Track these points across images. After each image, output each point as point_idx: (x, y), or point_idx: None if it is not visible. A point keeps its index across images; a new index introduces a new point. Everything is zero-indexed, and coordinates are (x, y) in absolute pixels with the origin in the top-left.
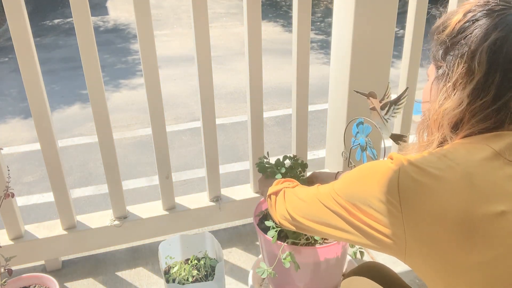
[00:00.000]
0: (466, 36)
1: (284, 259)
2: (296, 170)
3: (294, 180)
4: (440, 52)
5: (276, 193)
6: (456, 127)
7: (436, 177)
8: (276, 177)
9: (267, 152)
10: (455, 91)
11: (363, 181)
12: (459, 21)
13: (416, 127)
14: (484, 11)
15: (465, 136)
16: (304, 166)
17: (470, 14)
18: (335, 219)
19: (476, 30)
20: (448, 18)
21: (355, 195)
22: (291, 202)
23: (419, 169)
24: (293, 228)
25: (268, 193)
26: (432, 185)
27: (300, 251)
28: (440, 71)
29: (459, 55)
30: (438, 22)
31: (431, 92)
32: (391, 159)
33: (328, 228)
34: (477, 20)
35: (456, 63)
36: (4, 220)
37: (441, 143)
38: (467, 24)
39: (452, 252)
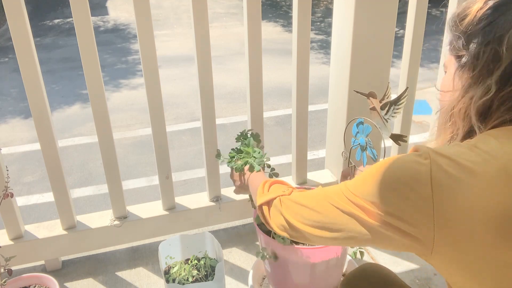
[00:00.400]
0: (490, 23)
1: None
2: (251, 148)
3: (284, 181)
4: (461, 41)
5: (268, 203)
6: (483, 116)
7: (470, 170)
8: (233, 166)
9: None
10: (481, 78)
11: (385, 176)
12: (480, 9)
13: (437, 120)
14: None
15: (493, 127)
16: (257, 137)
17: (491, 2)
18: (347, 221)
19: (501, 16)
20: (467, 7)
21: (375, 192)
22: (290, 210)
23: (453, 161)
24: (294, 238)
25: (258, 203)
26: (467, 179)
27: (300, 251)
28: (464, 60)
29: (484, 42)
30: (455, 12)
31: (454, 82)
32: (417, 151)
33: (336, 233)
34: (500, 6)
35: (482, 50)
36: (4, 220)
37: (467, 135)
38: (489, 11)
39: (487, 250)
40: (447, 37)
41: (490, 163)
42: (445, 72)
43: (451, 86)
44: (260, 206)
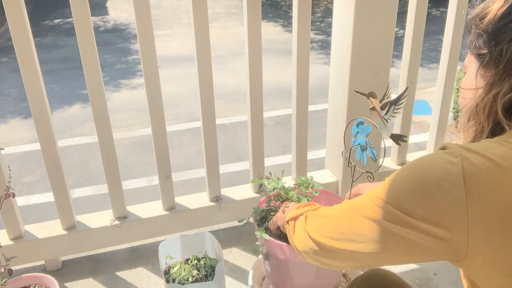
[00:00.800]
0: None
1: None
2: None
3: (316, 203)
4: (482, 39)
5: (295, 218)
6: (510, 112)
7: (505, 167)
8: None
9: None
10: (506, 74)
11: (415, 179)
12: (500, 7)
13: (460, 119)
14: None
15: None
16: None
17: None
18: (374, 230)
19: None
20: (486, 6)
21: (406, 196)
22: (314, 223)
23: (484, 157)
24: (315, 258)
25: (286, 219)
26: (502, 176)
27: None
28: (487, 58)
29: (507, 39)
30: (475, 12)
31: (476, 80)
32: (445, 149)
33: (361, 244)
34: None
35: (505, 47)
36: (4, 220)
37: (492, 133)
38: (510, 8)
39: None
40: (463, 38)
41: None
42: (465, 72)
43: (474, 85)
44: (288, 221)
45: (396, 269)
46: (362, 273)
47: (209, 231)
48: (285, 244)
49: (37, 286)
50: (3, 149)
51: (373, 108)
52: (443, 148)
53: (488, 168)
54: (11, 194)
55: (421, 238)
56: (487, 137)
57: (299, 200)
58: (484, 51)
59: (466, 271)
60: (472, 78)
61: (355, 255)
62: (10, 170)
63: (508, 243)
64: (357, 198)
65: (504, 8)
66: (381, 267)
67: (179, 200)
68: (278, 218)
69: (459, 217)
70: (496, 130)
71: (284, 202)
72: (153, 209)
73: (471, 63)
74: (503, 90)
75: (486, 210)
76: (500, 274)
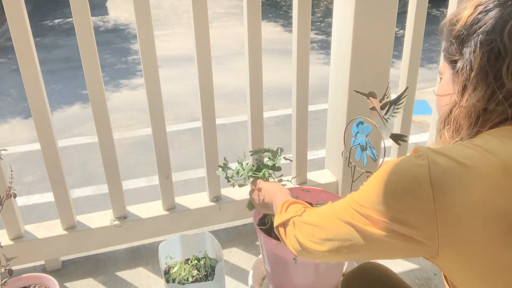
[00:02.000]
0: (481, 26)
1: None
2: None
3: (302, 202)
4: (454, 46)
5: (284, 224)
6: (483, 116)
7: (470, 168)
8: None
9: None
10: (478, 79)
11: (387, 182)
12: (470, 15)
13: (436, 124)
14: (496, 2)
15: (492, 127)
16: (277, 169)
17: (480, 7)
18: (353, 233)
19: (491, 20)
20: (457, 13)
21: (379, 199)
22: (302, 230)
23: (452, 159)
24: (309, 259)
25: (275, 225)
26: (467, 177)
27: None
28: (459, 64)
29: (477, 45)
30: (446, 19)
31: (450, 86)
32: (415, 152)
33: (345, 248)
34: (490, 10)
35: (476, 52)
36: (4, 220)
37: (468, 137)
38: (480, 15)
39: (490, 250)
40: (441, 45)
41: (490, 160)
42: (441, 78)
43: (448, 90)
44: (277, 228)
45: (395, 269)
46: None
47: (209, 231)
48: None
49: (37, 286)
50: (6, 149)
51: (373, 108)
52: (414, 152)
53: (453, 168)
54: (12, 195)
55: (396, 238)
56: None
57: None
58: (456, 57)
59: (441, 268)
60: (446, 85)
61: (340, 256)
62: (12, 170)
63: (477, 246)
64: (338, 202)
65: (474, 15)
66: (374, 262)
67: (179, 200)
68: (264, 201)
69: (428, 217)
70: (470, 134)
71: (256, 181)
72: (153, 209)
73: (445, 69)
74: (476, 96)
75: (454, 211)
76: (468, 274)
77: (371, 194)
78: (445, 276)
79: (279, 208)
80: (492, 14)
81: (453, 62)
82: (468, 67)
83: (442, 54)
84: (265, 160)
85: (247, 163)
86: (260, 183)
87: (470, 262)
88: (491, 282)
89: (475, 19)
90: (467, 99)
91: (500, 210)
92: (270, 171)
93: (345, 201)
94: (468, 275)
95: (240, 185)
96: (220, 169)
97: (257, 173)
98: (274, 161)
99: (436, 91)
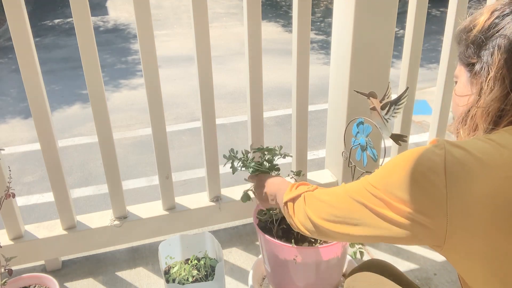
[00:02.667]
0: (499, 30)
1: None
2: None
3: (309, 183)
4: (471, 50)
5: (293, 199)
6: (500, 115)
7: (483, 161)
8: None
9: (232, 150)
10: (496, 81)
11: (403, 168)
12: (487, 19)
13: (453, 125)
14: (511, 7)
15: (506, 126)
16: (274, 168)
17: (497, 12)
18: (366, 214)
19: (509, 24)
20: (473, 19)
21: (395, 183)
22: (312, 206)
23: (467, 152)
24: (315, 236)
25: (284, 201)
26: (480, 169)
27: (301, 251)
28: (477, 67)
29: (495, 48)
30: (463, 24)
31: (468, 88)
32: (434, 143)
33: (354, 227)
34: (506, 15)
35: (494, 55)
36: (4, 220)
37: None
38: (496, 20)
39: (495, 240)
40: (453, 50)
41: (503, 154)
42: (456, 82)
43: (466, 92)
44: (286, 203)
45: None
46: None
47: (209, 231)
48: (286, 244)
49: (37, 286)
50: (3, 149)
51: (373, 108)
52: (433, 142)
53: (467, 160)
54: (11, 194)
55: (407, 223)
56: None
57: (271, 169)
58: (474, 60)
59: (447, 258)
60: (463, 87)
61: (347, 237)
62: (10, 170)
63: (484, 238)
64: (352, 183)
65: (491, 20)
66: (377, 258)
67: (179, 200)
68: (267, 193)
69: (438, 205)
70: (487, 133)
71: (259, 175)
72: (153, 209)
73: (461, 72)
74: (493, 96)
75: (464, 202)
76: (475, 265)
77: (387, 178)
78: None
79: (289, 187)
80: (509, 18)
81: (470, 65)
82: (486, 69)
83: (458, 58)
84: (266, 158)
85: (252, 156)
86: (264, 176)
87: (475, 251)
88: (494, 271)
89: (492, 24)
90: (484, 99)
91: (508, 203)
92: (276, 167)
93: (360, 183)
94: (472, 265)
95: (251, 172)
96: (226, 157)
97: (260, 167)
98: (273, 158)
99: (455, 92)
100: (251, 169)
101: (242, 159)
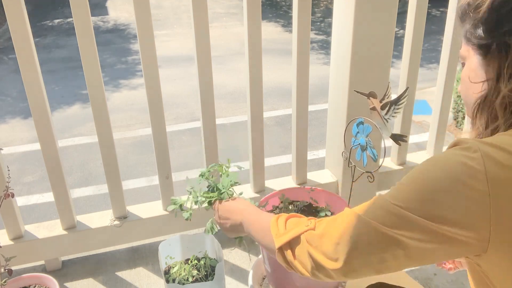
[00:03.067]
0: None
1: None
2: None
3: (296, 214)
4: (481, 29)
5: (290, 244)
6: None
7: None
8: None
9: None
10: None
11: (433, 179)
12: None
13: (466, 113)
14: None
15: None
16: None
17: None
18: (389, 240)
19: None
20: None
21: (422, 198)
22: (319, 247)
23: (504, 151)
24: (327, 278)
25: (277, 246)
26: None
27: None
28: (492, 49)
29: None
30: (466, 2)
31: (481, 72)
32: (459, 145)
33: (375, 257)
34: None
35: (511, 36)
36: (4, 220)
37: (508, 124)
38: None
39: None
40: (456, 27)
41: None
42: (463, 63)
43: (479, 77)
44: (281, 249)
45: None
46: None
47: None
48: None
49: (37, 286)
50: (2, 149)
51: (373, 108)
52: (455, 145)
53: (509, 161)
54: (10, 194)
55: (438, 242)
56: (501, 130)
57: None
58: (486, 41)
59: (483, 266)
60: (474, 71)
61: (371, 270)
62: (9, 170)
63: None
64: (365, 204)
65: None
66: (381, 282)
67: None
68: (231, 225)
69: (481, 214)
70: (509, 122)
71: (216, 203)
72: (153, 209)
73: (470, 53)
74: None
75: (509, 205)
76: None
77: (412, 192)
78: (471, 276)
79: (273, 225)
80: None
81: (482, 47)
82: (504, 51)
83: (464, 38)
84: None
85: (205, 181)
86: (221, 204)
87: None
88: None
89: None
90: (504, 85)
91: None
92: (229, 190)
93: (377, 203)
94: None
95: (207, 208)
96: (172, 204)
97: (212, 195)
98: (225, 174)
99: (467, 78)
100: (206, 204)
101: (190, 196)
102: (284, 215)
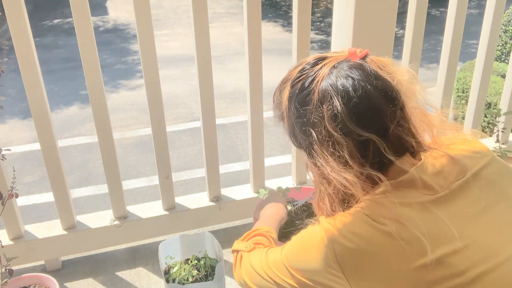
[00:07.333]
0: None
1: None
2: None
3: (268, 236)
4: (288, 133)
5: (237, 252)
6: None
7: (367, 241)
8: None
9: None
10: (320, 153)
11: (304, 254)
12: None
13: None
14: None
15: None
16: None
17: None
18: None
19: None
20: (278, 99)
21: (300, 265)
22: (245, 268)
23: (352, 235)
24: None
25: (232, 248)
26: (367, 249)
27: None
28: (302, 148)
29: (301, 131)
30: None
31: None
32: (321, 225)
33: None
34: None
35: (305, 136)
36: (4, 220)
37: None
38: (292, 111)
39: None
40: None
41: (381, 231)
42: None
43: (312, 168)
44: (233, 251)
45: None
46: None
47: (209, 231)
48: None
49: (37, 286)
50: (10, 149)
51: None
52: (319, 223)
53: (357, 246)
54: (14, 195)
55: None
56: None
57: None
58: (296, 143)
59: None
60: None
61: None
62: (14, 171)
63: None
64: (273, 254)
65: (289, 105)
66: None
67: (179, 200)
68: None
69: (339, 283)
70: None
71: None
72: (153, 209)
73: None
74: (327, 169)
75: (363, 280)
76: None
77: (294, 257)
78: None
79: (245, 234)
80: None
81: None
82: (309, 148)
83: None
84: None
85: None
86: (263, 205)
87: None
88: None
89: (292, 110)
90: (335, 181)
91: (400, 273)
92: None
93: (278, 256)
94: None
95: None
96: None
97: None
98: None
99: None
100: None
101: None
102: (259, 230)
